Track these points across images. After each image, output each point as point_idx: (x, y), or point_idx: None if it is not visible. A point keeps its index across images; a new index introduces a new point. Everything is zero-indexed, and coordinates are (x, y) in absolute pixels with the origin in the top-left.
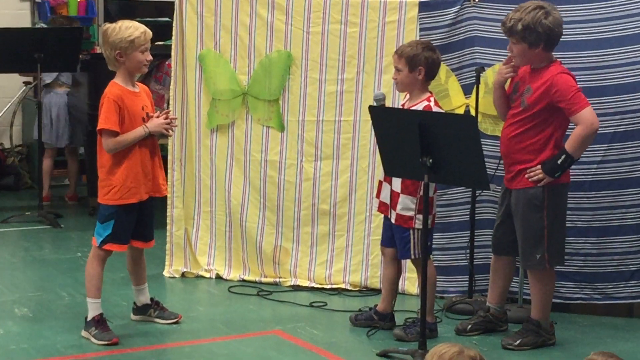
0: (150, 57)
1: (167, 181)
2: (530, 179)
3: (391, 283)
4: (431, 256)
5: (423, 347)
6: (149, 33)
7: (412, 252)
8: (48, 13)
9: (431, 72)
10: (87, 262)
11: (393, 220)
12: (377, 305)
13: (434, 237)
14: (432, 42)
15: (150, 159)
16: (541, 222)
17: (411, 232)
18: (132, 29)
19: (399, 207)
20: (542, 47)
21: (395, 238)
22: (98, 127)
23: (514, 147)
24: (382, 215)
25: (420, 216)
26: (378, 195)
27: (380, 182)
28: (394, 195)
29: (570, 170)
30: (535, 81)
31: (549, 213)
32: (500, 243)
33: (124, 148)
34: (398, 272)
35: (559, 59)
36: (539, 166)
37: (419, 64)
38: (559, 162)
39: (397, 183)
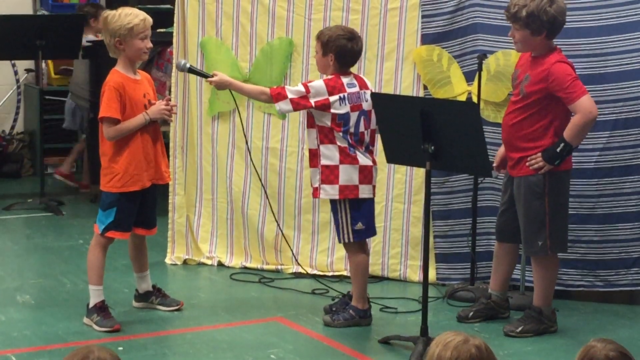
0: (150, 45)
1: (169, 168)
2: (531, 167)
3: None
4: (367, 240)
5: (425, 333)
6: (149, 20)
7: (340, 236)
8: (50, 0)
9: (343, 60)
10: (89, 249)
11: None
12: (349, 291)
13: (436, 224)
14: (435, 29)
15: (152, 146)
16: (542, 209)
17: (340, 216)
18: (131, 16)
19: (312, 180)
20: (544, 35)
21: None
22: (99, 115)
23: (514, 134)
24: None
25: (325, 186)
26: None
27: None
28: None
29: (573, 158)
30: (534, 69)
31: (550, 200)
32: (503, 230)
33: (125, 135)
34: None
35: (559, 47)
36: (539, 154)
37: (330, 51)
38: (558, 150)
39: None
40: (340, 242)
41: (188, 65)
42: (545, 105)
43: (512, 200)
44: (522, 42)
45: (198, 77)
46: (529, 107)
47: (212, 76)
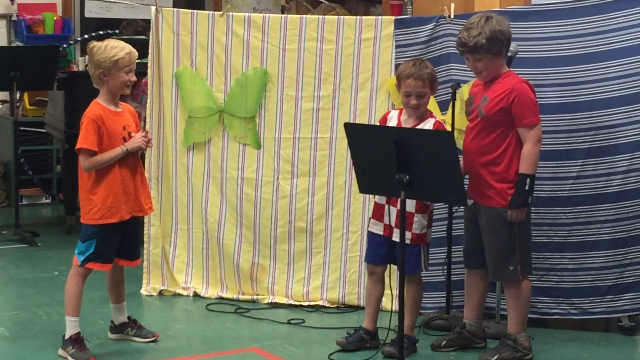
0: (134, 78)
1: (151, 200)
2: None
3: (378, 301)
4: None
5: None
6: (135, 54)
7: (422, 265)
8: (24, 31)
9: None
10: (67, 279)
11: (408, 241)
12: (362, 325)
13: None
14: (407, 59)
15: (131, 178)
16: (512, 235)
17: (422, 246)
18: (117, 49)
19: (415, 226)
20: (503, 54)
21: (400, 254)
22: (76, 146)
23: (476, 160)
24: (365, 233)
25: (429, 230)
26: (375, 217)
27: (377, 204)
28: (407, 216)
29: (546, 186)
30: (493, 90)
31: (519, 225)
32: (470, 255)
33: (102, 167)
34: (383, 290)
35: (530, 76)
36: (511, 211)
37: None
38: (526, 187)
39: (409, 204)
40: (415, 271)
41: None
42: (505, 127)
43: (475, 225)
44: (487, 69)
45: (172, 108)
46: (489, 129)
47: None
